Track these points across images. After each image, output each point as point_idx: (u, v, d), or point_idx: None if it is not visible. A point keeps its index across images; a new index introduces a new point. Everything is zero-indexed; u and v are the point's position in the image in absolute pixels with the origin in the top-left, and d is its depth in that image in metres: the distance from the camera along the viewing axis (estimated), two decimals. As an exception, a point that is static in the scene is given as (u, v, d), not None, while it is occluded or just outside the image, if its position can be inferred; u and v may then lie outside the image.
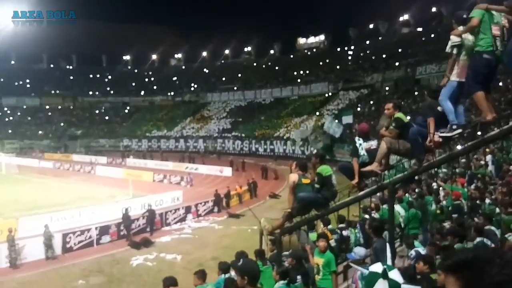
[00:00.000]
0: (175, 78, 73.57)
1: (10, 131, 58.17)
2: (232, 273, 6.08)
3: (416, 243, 6.59)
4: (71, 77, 72.68)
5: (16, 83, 67.38)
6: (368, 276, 2.52)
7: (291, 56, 68.59)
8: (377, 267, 2.54)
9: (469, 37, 4.55)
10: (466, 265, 1.07)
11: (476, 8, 4.44)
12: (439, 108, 4.85)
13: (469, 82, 4.47)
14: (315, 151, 8.92)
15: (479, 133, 4.68)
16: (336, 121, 35.09)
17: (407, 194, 10.60)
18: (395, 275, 2.49)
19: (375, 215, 9.02)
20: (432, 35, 47.55)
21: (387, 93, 44.42)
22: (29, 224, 16.08)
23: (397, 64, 48.04)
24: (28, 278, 12.80)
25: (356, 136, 6.04)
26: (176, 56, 77.93)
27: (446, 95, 4.67)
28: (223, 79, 68.60)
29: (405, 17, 56.62)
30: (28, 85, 68.39)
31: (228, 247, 13.84)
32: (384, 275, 2.42)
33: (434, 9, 52.48)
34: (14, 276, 12.84)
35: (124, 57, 76.98)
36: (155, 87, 72.00)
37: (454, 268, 1.09)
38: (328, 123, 34.97)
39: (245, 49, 73.93)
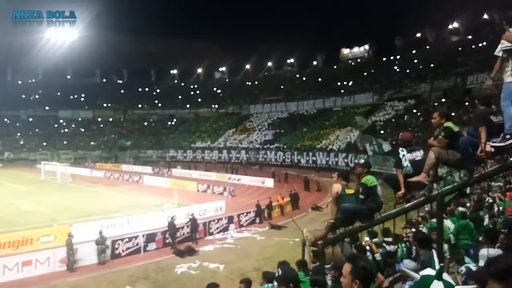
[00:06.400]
0: (219, 91, 75.20)
1: (65, 142, 61.77)
2: (275, 283, 6.04)
3: (466, 259, 6.23)
4: (122, 91, 76.49)
5: (72, 97, 71.65)
6: (420, 280, 2.41)
7: (334, 67, 67.68)
8: (429, 271, 2.44)
9: None
10: None
11: None
12: (491, 117, 4.62)
13: None
14: (361, 161, 8.72)
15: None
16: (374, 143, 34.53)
17: (460, 208, 10.08)
18: (447, 277, 2.39)
19: (423, 228, 8.65)
20: (484, 43, 45.31)
21: (435, 103, 42.69)
22: (81, 231, 16.78)
23: (446, 73, 46.07)
24: (80, 282, 13.42)
25: (400, 146, 5.84)
26: (220, 69, 79.67)
27: (508, 100, 4.37)
28: (266, 91, 69.15)
29: (455, 25, 54.44)
30: (82, 99, 72.45)
31: (270, 258, 13.78)
32: (439, 276, 2.31)
33: (485, 16, 50.04)
34: (67, 280, 13.50)
35: (171, 71, 79.90)
36: (200, 100, 73.90)
37: (499, 275, 1.02)
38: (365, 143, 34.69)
39: (288, 61, 74.13)
